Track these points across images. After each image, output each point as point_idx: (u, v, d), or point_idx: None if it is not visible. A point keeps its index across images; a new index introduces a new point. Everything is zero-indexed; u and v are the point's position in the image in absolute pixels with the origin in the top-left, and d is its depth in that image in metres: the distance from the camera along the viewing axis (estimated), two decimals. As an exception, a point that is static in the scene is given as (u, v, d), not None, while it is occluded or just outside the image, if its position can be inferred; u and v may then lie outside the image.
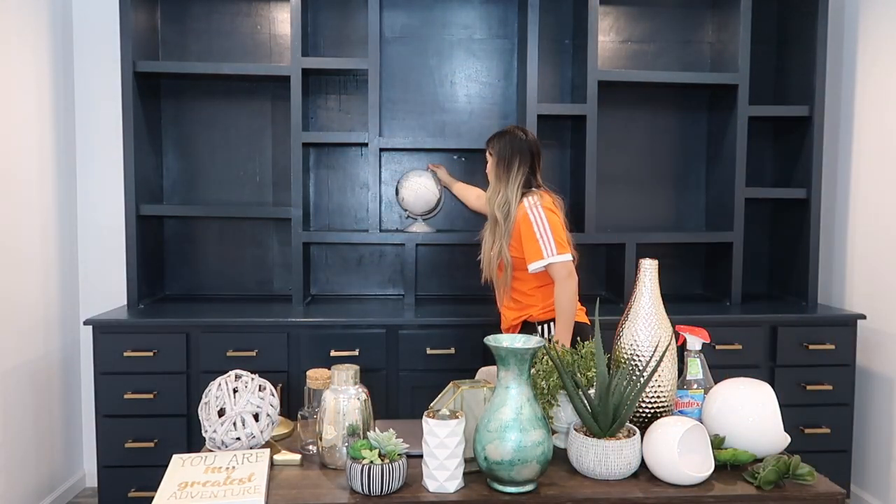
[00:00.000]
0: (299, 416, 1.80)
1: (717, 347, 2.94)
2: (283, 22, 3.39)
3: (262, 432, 1.72)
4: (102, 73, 3.36)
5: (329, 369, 1.76)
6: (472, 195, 3.14)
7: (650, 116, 3.53)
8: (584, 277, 3.56)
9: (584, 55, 3.20)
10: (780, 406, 1.70)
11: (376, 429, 1.62)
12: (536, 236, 2.46)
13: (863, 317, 3.07)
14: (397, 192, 3.31)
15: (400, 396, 2.92)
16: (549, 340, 2.37)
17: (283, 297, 3.36)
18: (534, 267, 2.47)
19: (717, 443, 1.67)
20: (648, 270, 1.80)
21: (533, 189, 2.57)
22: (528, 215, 2.49)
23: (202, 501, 1.46)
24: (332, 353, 2.87)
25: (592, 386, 1.75)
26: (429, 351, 2.90)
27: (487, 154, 2.65)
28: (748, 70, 3.21)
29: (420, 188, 3.24)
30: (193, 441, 2.85)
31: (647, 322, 1.75)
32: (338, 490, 1.55)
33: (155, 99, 3.32)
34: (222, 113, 3.41)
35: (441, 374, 2.66)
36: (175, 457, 1.66)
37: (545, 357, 1.77)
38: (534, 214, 2.49)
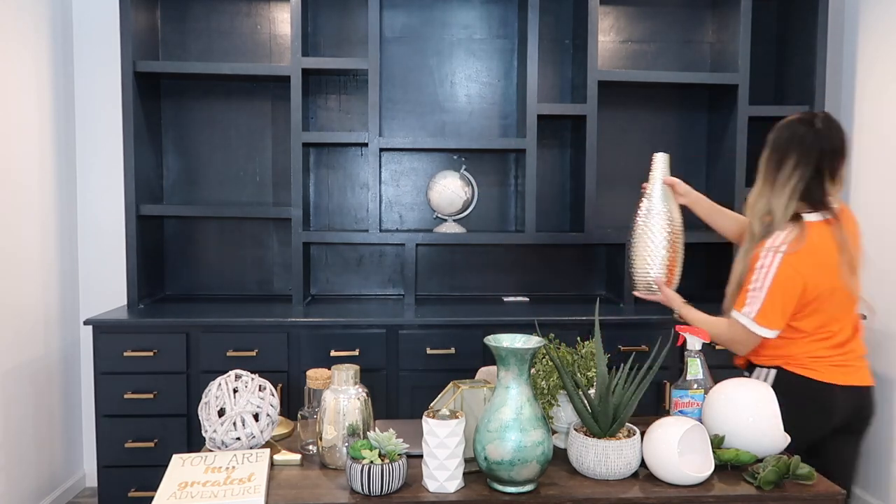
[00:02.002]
0: (299, 416, 1.80)
1: (717, 347, 2.93)
2: (283, 22, 3.39)
3: (262, 432, 1.72)
4: (102, 73, 3.36)
5: (329, 369, 1.76)
6: (726, 218, 2.32)
7: (650, 116, 3.53)
8: (584, 277, 3.59)
9: (584, 55, 3.20)
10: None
11: (376, 429, 1.62)
12: (749, 286, 1.90)
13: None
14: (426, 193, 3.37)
15: (400, 396, 2.92)
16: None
17: (283, 297, 3.36)
18: (733, 315, 1.96)
19: (717, 443, 1.67)
20: (661, 161, 2.20)
21: (815, 208, 1.92)
22: (758, 255, 1.90)
23: (202, 501, 1.46)
24: (332, 353, 2.87)
25: (592, 386, 1.75)
26: (429, 351, 2.90)
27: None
28: (748, 70, 3.21)
29: (444, 189, 3.25)
30: (193, 441, 2.85)
31: (659, 214, 2.10)
32: (338, 490, 1.55)
33: (155, 99, 3.32)
34: (222, 113, 3.41)
35: (441, 374, 2.65)
36: (175, 457, 1.66)
37: (545, 357, 1.77)
38: (764, 260, 1.88)
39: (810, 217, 1.92)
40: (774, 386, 1.89)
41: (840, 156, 1.94)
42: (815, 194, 1.92)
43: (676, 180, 2.19)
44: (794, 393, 1.90)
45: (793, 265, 1.87)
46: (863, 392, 2.01)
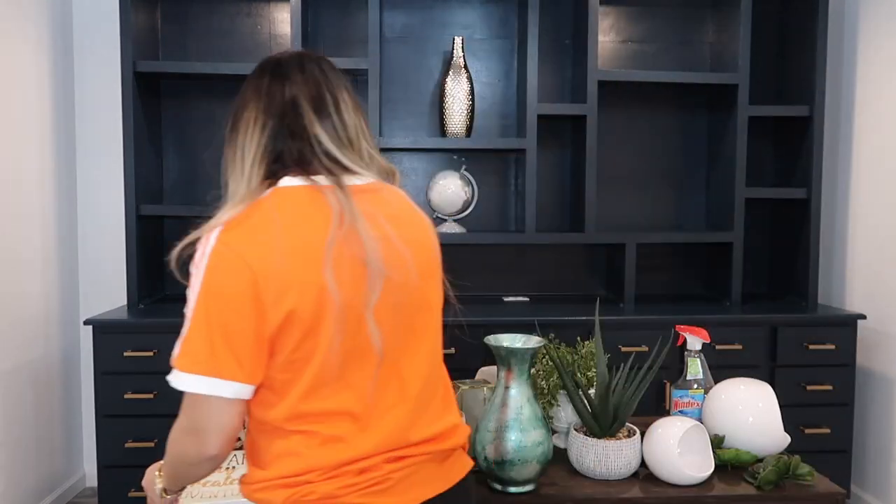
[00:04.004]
0: (299, 416, 1.80)
1: (717, 347, 2.93)
2: (283, 22, 3.38)
3: (262, 432, 1.72)
4: (103, 72, 3.36)
5: (329, 369, 1.76)
6: None
7: (650, 116, 3.53)
8: (584, 277, 3.59)
9: (584, 55, 3.20)
10: (780, 406, 1.71)
11: (376, 429, 1.62)
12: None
13: (863, 317, 3.07)
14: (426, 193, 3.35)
15: (400, 396, 2.91)
16: None
17: (283, 297, 3.35)
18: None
19: (717, 443, 1.67)
20: None
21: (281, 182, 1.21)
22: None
23: (202, 501, 1.46)
24: (332, 353, 2.86)
25: (592, 386, 1.75)
26: (429, 351, 2.89)
27: None
28: (748, 70, 3.21)
29: (444, 189, 3.25)
30: (193, 441, 2.84)
31: None
32: (338, 490, 1.55)
33: (155, 99, 3.32)
34: (222, 113, 3.38)
35: (441, 374, 2.65)
36: (175, 457, 1.65)
37: (545, 357, 1.78)
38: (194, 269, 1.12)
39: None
40: None
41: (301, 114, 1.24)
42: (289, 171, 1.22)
43: None
44: None
45: (218, 263, 1.09)
46: None
